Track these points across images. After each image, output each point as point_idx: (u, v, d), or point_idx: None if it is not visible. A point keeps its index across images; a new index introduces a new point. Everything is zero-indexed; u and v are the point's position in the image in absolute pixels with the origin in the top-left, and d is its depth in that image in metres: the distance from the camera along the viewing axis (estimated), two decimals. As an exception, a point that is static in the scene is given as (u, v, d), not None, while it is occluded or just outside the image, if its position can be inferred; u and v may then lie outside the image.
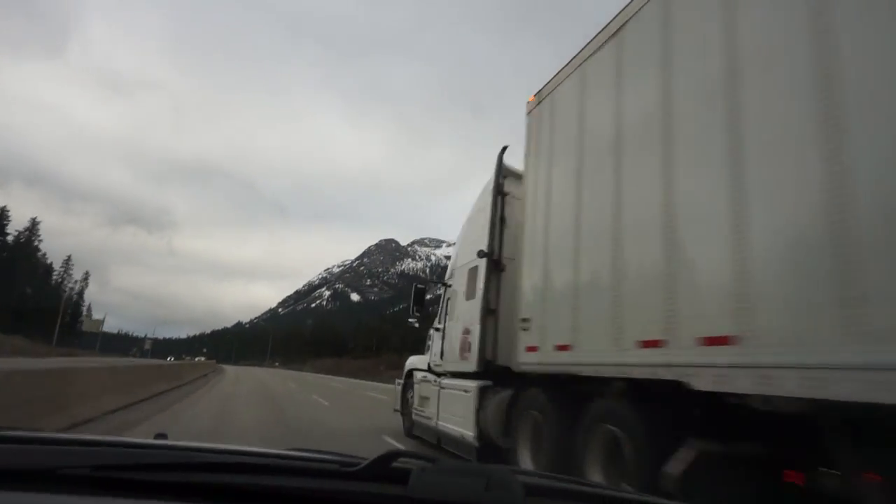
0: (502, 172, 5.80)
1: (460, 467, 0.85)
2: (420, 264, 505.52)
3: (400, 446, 6.45)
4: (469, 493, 0.78)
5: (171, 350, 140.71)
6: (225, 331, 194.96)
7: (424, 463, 0.85)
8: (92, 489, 0.79)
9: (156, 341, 79.37)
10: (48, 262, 67.36)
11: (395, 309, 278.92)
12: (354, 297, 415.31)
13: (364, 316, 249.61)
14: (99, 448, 0.93)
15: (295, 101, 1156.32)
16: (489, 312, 5.45)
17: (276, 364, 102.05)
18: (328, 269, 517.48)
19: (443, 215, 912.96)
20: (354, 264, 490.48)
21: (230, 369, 44.68)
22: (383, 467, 0.85)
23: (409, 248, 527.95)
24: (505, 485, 0.80)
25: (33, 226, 62.91)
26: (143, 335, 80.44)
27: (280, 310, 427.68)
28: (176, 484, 0.81)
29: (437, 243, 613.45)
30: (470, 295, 5.99)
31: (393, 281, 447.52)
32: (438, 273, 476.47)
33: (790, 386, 2.14)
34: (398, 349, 48.67)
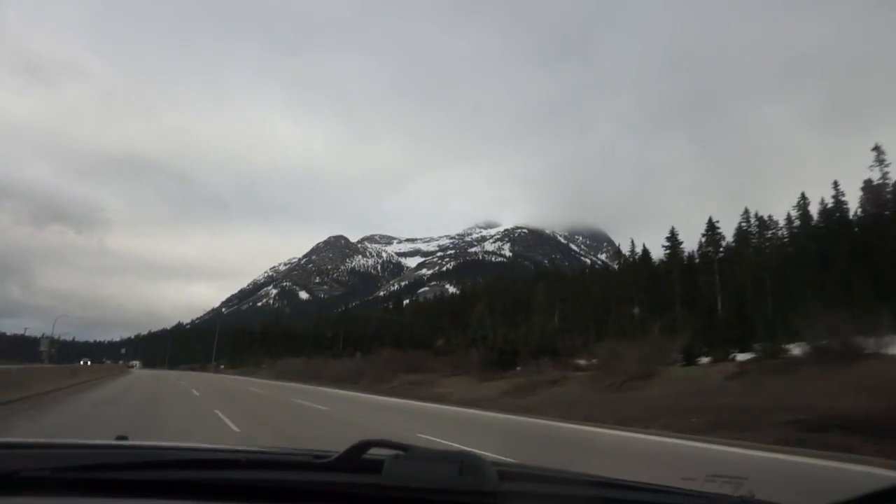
0: None
1: (433, 454, 0.84)
2: (371, 261, 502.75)
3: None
4: (443, 478, 0.78)
5: (101, 354, 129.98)
6: (164, 332, 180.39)
7: (397, 451, 0.85)
8: (55, 490, 0.78)
9: (87, 345, 69.06)
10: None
11: (350, 306, 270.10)
12: (303, 295, 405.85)
13: (316, 314, 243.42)
14: (61, 451, 0.91)
15: (234, 91, 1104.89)
16: None
17: (222, 367, 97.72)
18: (274, 267, 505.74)
19: (393, 211, 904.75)
20: (302, 262, 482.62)
21: (143, 378, 33.57)
22: (356, 457, 0.84)
23: (359, 245, 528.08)
24: (478, 469, 0.80)
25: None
26: (56, 337, 69.35)
27: (224, 309, 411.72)
28: (146, 482, 0.79)
29: (388, 240, 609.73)
30: None
31: (343, 278, 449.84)
32: (390, 270, 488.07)
33: None
34: (414, 344, 42.83)
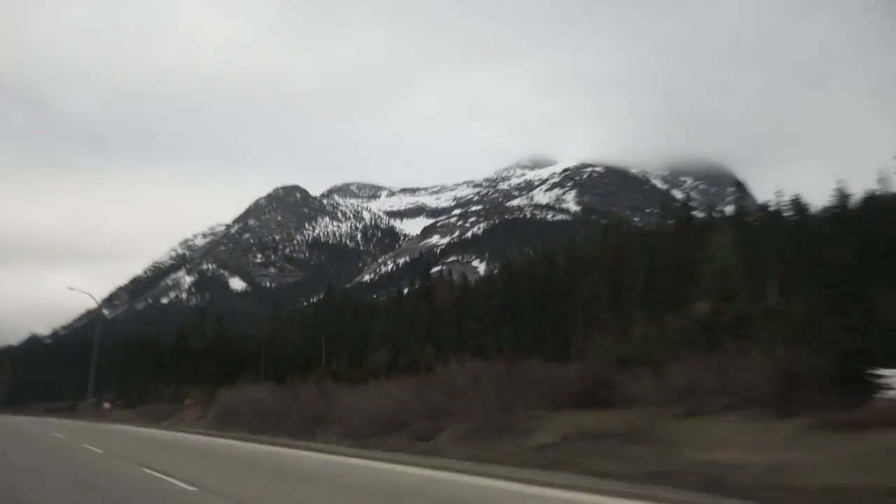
0: None
1: None
2: (345, 226, 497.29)
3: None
4: None
5: None
6: (8, 350, 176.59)
7: None
8: None
9: None
10: None
11: (314, 299, 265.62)
12: (236, 283, 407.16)
13: (262, 311, 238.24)
14: None
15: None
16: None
17: (108, 406, 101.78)
18: (187, 241, 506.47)
19: (378, 146, 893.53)
20: (232, 231, 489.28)
21: None
22: None
23: (324, 202, 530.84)
24: None
25: None
26: None
27: (107, 311, 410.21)
28: None
29: (372, 192, 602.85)
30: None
31: (300, 256, 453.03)
32: (377, 239, 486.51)
33: None
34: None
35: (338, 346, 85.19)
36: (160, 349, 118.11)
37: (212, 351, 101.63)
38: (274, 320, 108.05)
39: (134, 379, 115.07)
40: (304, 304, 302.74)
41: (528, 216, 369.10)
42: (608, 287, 59.10)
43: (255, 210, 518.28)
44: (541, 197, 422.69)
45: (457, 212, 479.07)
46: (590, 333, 52.79)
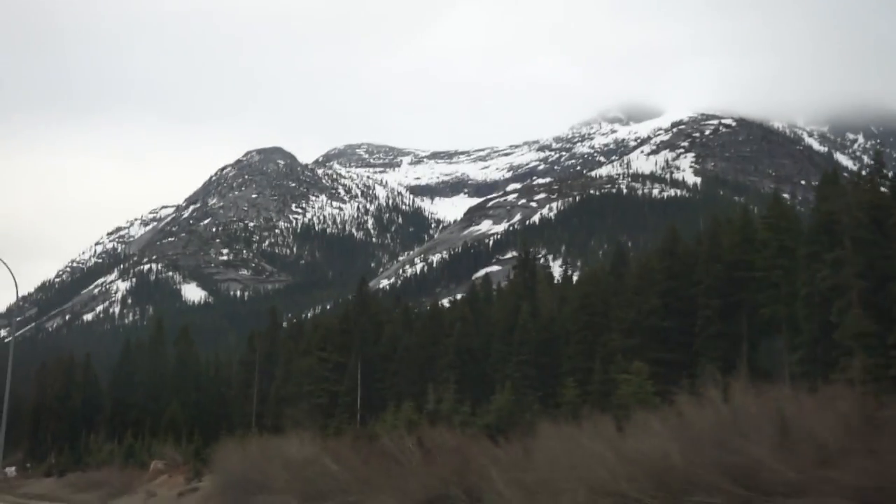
0: None
1: None
2: (350, 207, 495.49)
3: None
4: None
5: None
6: None
7: None
8: None
9: None
10: None
11: (309, 312, 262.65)
12: (191, 290, 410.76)
13: (235, 330, 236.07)
14: None
15: None
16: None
17: (11, 471, 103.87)
18: (119, 231, 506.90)
19: (393, 87, 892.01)
20: (184, 216, 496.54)
21: None
22: None
23: (318, 172, 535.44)
24: None
25: None
26: None
27: (4, 333, 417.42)
28: None
29: (390, 156, 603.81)
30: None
31: (284, 251, 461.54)
32: (398, 227, 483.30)
33: None
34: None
35: (374, 376, 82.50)
36: (95, 391, 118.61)
37: (178, 386, 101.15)
38: (262, 337, 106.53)
39: (52, 431, 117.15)
40: (295, 318, 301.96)
41: (625, 191, 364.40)
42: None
43: (216, 184, 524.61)
44: (641, 163, 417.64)
45: (514, 186, 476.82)
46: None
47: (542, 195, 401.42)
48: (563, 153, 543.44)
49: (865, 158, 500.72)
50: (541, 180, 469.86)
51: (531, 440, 25.06)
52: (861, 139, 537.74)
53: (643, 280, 69.52)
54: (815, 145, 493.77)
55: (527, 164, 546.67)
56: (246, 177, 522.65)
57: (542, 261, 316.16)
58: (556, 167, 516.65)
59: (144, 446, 79.62)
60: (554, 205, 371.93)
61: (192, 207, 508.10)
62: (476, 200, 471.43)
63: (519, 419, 40.25)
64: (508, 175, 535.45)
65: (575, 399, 48.16)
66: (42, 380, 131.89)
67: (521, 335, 70.62)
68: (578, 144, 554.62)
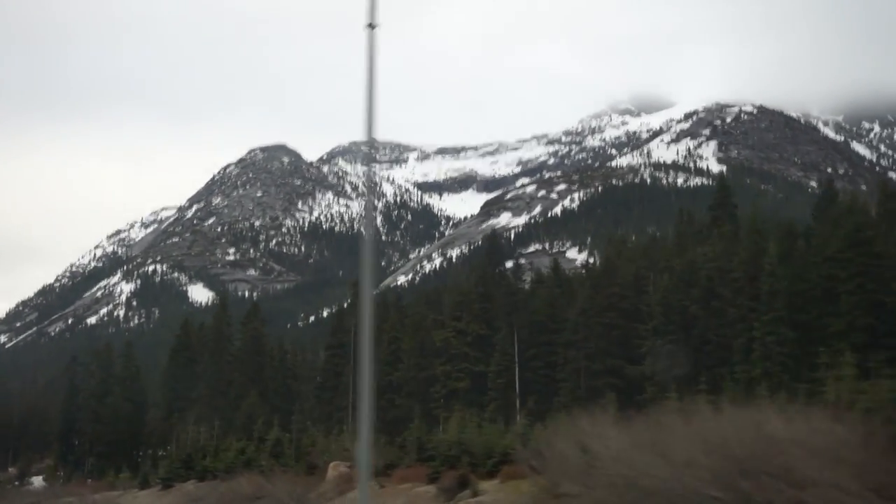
0: None
1: None
2: (357, 204, 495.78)
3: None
4: None
5: None
6: None
7: None
8: None
9: None
10: None
11: (322, 313, 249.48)
12: (198, 291, 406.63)
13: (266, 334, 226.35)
14: None
15: None
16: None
17: (39, 480, 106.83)
18: (120, 233, 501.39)
19: (398, 81, 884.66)
20: (188, 216, 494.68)
21: None
22: None
23: (323, 170, 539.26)
24: None
25: None
26: None
27: (5, 338, 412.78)
28: None
29: (396, 152, 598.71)
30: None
31: (292, 250, 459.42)
32: (408, 224, 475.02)
33: None
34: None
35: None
36: (135, 378, 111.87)
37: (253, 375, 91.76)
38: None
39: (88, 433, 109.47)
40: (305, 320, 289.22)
41: (649, 181, 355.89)
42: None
43: (220, 183, 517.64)
44: (662, 152, 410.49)
45: (524, 180, 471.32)
46: None
47: (562, 186, 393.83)
48: (574, 146, 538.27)
49: (882, 147, 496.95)
50: (555, 173, 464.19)
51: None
52: (877, 128, 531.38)
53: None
54: (831, 134, 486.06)
55: (536, 159, 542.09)
56: (250, 175, 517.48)
57: (567, 253, 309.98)
58: (566, 161, 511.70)
59: (292, 442, 69.85)
60: (575, 196, 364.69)
61: (195, 207, 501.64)
62: (486, 196, 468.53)
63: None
64: (518, 170, 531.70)
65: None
66: (72, 376, 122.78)
67: (771, 284, 56.55)
68: (589, 137, 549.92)
